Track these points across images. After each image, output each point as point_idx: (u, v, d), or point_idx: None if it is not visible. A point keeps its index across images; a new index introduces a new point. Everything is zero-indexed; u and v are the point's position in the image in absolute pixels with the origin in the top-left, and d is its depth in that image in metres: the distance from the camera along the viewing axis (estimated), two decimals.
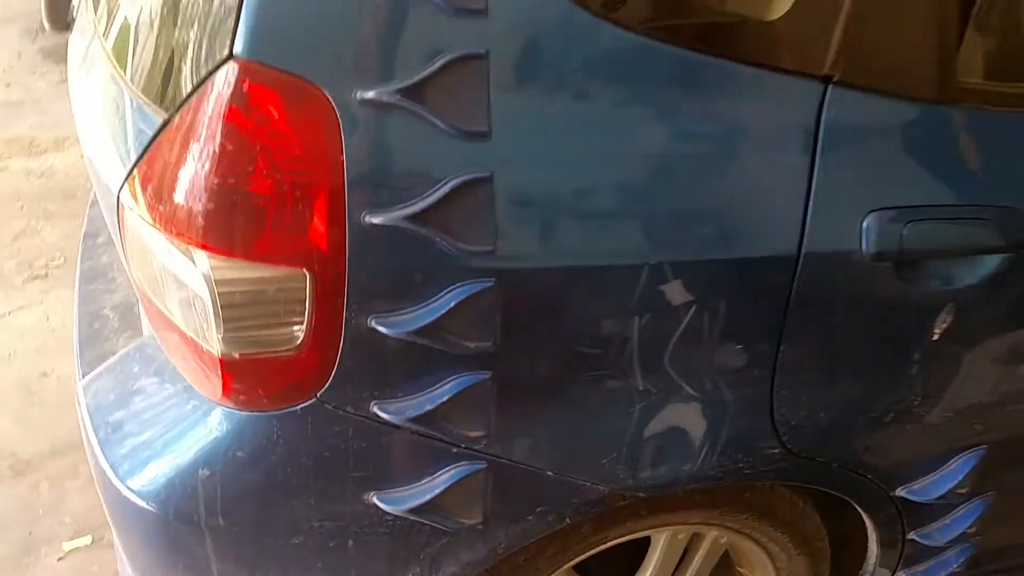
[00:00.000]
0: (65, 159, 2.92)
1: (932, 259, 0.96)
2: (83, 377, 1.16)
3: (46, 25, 1.40)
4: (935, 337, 1.00)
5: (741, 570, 1.34)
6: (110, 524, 1.10)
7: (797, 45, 0.88)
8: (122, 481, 0.97)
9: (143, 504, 0.95)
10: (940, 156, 0.95)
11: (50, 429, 1.94)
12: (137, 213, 0.88)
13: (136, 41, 0.97)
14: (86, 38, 1.19)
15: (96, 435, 1.02)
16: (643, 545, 1.22)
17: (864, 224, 0.91)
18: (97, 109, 1.05)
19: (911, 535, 1.20)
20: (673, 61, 0.85)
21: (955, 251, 0.98)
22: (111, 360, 1.11)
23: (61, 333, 2.19)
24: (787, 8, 0.86)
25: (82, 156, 2.71)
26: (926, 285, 0.97)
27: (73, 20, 1.28)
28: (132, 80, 0.93)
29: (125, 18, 1.02)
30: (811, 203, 0.90)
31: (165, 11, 0.91)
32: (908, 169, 0.94)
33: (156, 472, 0.95)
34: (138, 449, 0.97)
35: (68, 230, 2.56)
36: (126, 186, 0.89)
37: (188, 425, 0.94)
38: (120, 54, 1.00)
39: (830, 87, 0.88)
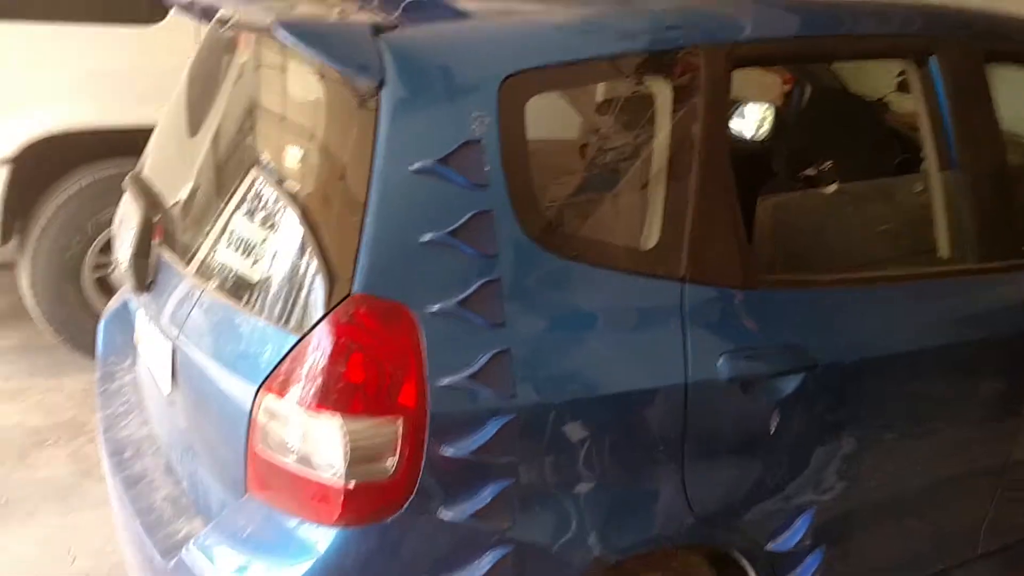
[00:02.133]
0: None
1: (760, 380, 1.57)
2: (164, 556, 1.51)
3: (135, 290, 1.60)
4: (771, 431, 1.59)
5: None
6: None
7: (665, 262, 1.50)
8: None
9: None
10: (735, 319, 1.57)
11: None
12: (279, 401, 1.32)
13: (256, 284, 1.43)
14: (167, 291, 1.63)
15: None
16: None
17: (719, 362, 1.51)
18: (204, 340, 1.49)
19: None
20: (603, 277, 1.45)
21: (771, 374, 1.59)
22: (215, 521, 1.47)
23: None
24: (655, 243, 1.50)
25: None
26: (760, 397, 1.57)
27: (154, 282, 1.70)
28: (259, 314, 1.40)
29: (235, 267, 1.49)
30: (688, 351, 1.49)
31: (281, 261, 1.41)
32: (735, 326, 1.56)
33: None
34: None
35: None
36: (266, 384, 1.34)
37: (305, 547, 1.34)
38: (236, 294, 1.46)
39: (685, 284, 1.51)
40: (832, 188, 2.45)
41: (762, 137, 3.07)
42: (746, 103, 3.12)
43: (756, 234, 1.69)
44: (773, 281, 1.64)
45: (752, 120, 3.13)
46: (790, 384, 1.59)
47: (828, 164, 2.47)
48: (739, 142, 2.93)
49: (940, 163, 1.86)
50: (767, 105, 3.17)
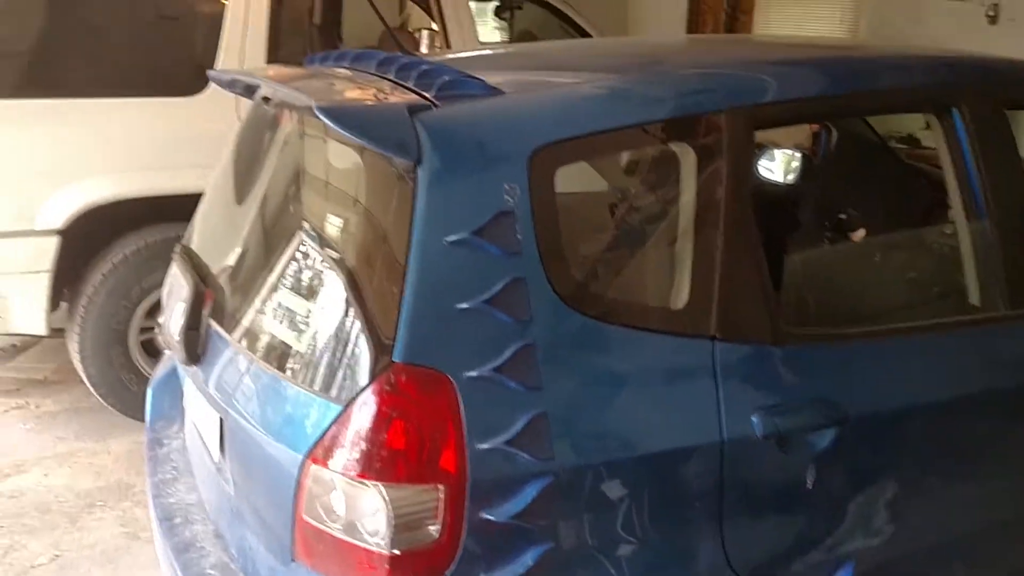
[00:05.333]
0: (29, 479, 3.19)
1: (794, 435, 1.58)
2: None
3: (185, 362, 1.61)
4: (809, 485, 1.60)
5: None
6: None
7: (695, 320, 1.53)
8: None
9: None
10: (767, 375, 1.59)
11: None
12: (324, 470, 1.37)
13: (301, 353, 1.49)
14: (218, 363, 1.69)
15: None
16: None
17: (754, 418, 1.53)
18: (251, 409, 1.55)
19: None
20: (635, 338, 1.48)
21: (805, 429, 1.60)
22: None
23: None
24: (685, 302, 1.53)
25: (45, 474, 3.05)
26: (796, 452, 1.58)
27: (203, 353, 1.77)
28: (304, 383, 1.45)
29: (280, 336, 1.55)
30: (722, 409, 1.51)
31: (324, 331, 1.46)
32: (767, 382, 1.58)
33: None
34: None
35: (52, 539, 2.81)
36: (312, 454, 1.38)
37: None
38: (281, 364, 1.51)
39: (716, 342, 1.54)
40: (859, 235, 2.47)
41: (789, 182, 3.10)
42: (774, 148, 3.16)
43: (784, 288, 1.72)
44: (803, 335, 1.67)
45: (779, 165, 3.16)
46: (825, 438, 1.61)
47: (855, 211, 2.50)
48: (765, 189, 2.96)
49: (967, 211, 1.87)
50: (794, 151, 3.21)
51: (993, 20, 5.18)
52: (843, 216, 2.61)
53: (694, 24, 8.05)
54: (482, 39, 4.62)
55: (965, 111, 1.85)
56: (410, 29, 5.68)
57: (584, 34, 4.93)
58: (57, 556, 2.73)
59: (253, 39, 3.50)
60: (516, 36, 6.21)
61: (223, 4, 3.48)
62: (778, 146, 3.19)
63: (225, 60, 3.44)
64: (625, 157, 1.84)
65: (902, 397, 1.71)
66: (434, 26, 4.57)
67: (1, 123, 3.12)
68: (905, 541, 1.76)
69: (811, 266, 1.83)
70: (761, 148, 3.04)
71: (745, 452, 1.53)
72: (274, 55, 3.57)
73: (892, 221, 2.31)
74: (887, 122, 3.43)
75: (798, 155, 3.14)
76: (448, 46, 4.24)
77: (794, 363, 1.61)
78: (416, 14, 6.36)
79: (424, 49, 4.79)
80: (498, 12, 6.27)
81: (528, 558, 1.39)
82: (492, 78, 1.59)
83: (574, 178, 1.69)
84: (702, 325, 1.53)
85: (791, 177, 3.08)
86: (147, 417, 2.28)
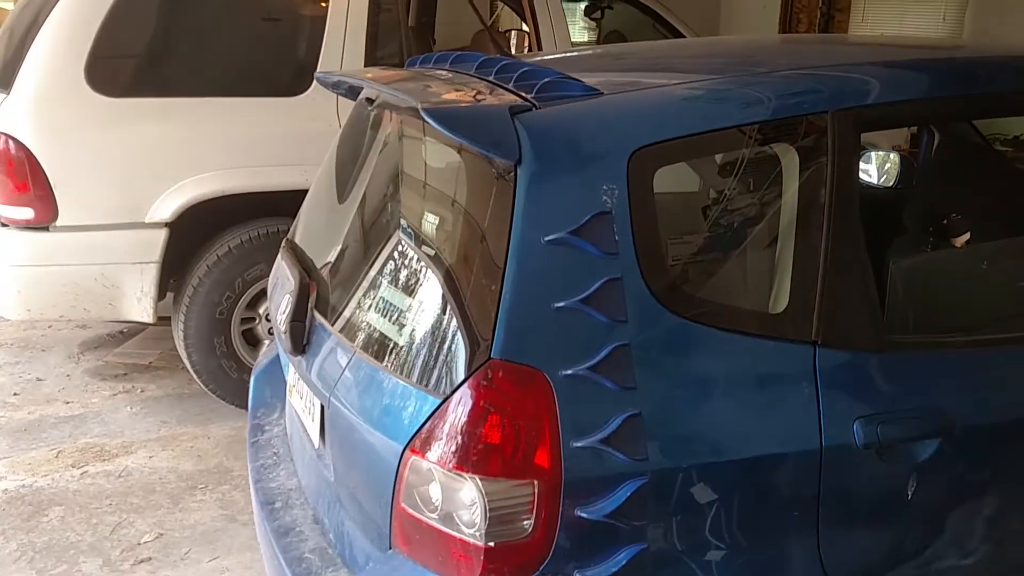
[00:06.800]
0: (135, 460, 3.35)
1: (896, 445, 1.55)
2: None
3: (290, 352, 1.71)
4: (909, 496, 1.56)
5: None
6: None
7: (796, 325, 1.52)
8: None
9: None
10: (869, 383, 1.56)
11: None
12: (423, 461, 1.41)
13: (401, 346, 1.54)
14: (322, 353, 1.76)
15: None
16: None
17: (854, 426, 1.51)
18: (352, 399, 1.60)
19: None
20: (731, 341, 1.48)
21: (907, 439, 1.56)
22: (362, 574, 1.57)
23: None
24: (785, 306, 1.52)
25: (150, 456, 3.18)
26: (896, 462, 1.55)
27: (308, 344, 1.84)
28: (404, 375, 1.49)
29: (382, 329, 1.60)
30: (822, 416, 1.49)
31: (424, 325, 1.50)
32: (869, 390, 1.55)
33: None
34: None
35: (156, 518, 2.95)
36: (411, 444, 1.42)
37: None
38: (382, 356, 1.56)
39: (817, 347, 1.52)
40: (963, 240, 2.39)
41: (890, 185, 3.02)
42: (873, 150, 3.08)
43: (888, 295, 1.68)
44: (907, 343, 1.63)
45: (878, 167, 3.09)
46: (928, 449, 1.57)
47: (959, 216, 2.41)
48: (868, 193, 2.89)
49: None
50: (894, 153, 3.12)
51: None
52: (947, 221, 2.52)
53: (788, 23, 7.88)
54: (573, 39, 4.62)
55: None
56: (501, 30, 5.73)
57: (676, 34, 4.89)
58: (161, 535, 2.87)
59: (353, 41, 3.60)
60: (605, 36, 6.19)
61: (324, 7, 3.58)
62: (878, 148, 3.12)
63: (326, 62, 3.55)
64: (724, 158, 1.83)
65: (1007, 409, 1.66)
66: (524, 27, 4.61)
67: (114, 121, 3.28)
68: (1010, 556, 1.70)
69: (915, 272, 1.78)
70: (864, 151, 2.97)
71: (844, 461, 1.51)
72: (372, 57, 3.66)
73: (998, 226, 2.22)
74: (992, 125, 3.30)
75: (899, 158, 3.06)
76: (539, 47, 4.27)
77: (896, 371, 1.58)
78: (506, 15, 6.43)
79: (514, 50, 4.83)
80: (588, 12, 6.27)
81: (620, 557, 1.40)
82: (590, 79, 1.60)
83: (673, 179, 1.70)
84: (803, 330, 1.51)
85: (892, 180, 3.02)
86: (249, 404, 2.37)
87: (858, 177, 1.72)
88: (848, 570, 1.55)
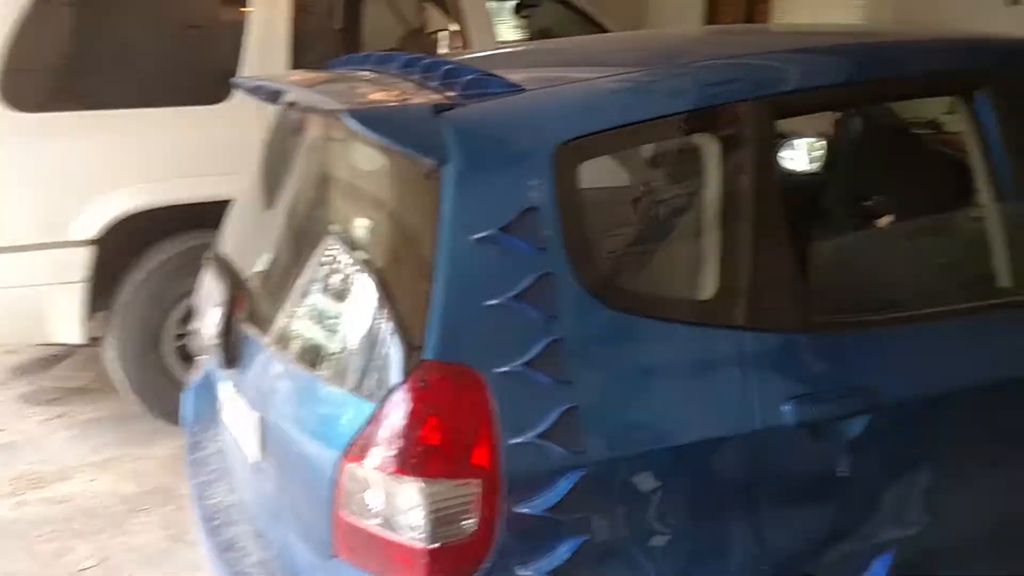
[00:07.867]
0: (75, 485, 3.25)
1: (827, 423, 1.58)
2: None
3: (222, 366, 1.64)
4: (844, 474, 1.60)
5: None
6: None
7: (724, 311, 1.54)
8: None
9: None
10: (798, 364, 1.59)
11: None
12: (361, 467, 1.39)
13: (334, 353, 1.52)
14: (255, 368, 1.73)
15: None
16: None
17: (787, 407, 1.53)
18: (288, 409, 1.58)
19: None
20: (664, 329, 1.49)
21: (838, 416, 1.60)
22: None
23: None
24: (713, 292, 1.54)
25: (90, 480, 3.09)
26: (829, 440, 1.59)
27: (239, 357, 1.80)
28: (338, 383, 1.47)
29: (313, 337, 1.58)
30: (753, 398, 1.52)
31: (355, 331, 1.48)
32: (798, 371, 1.58)
33: None
34: None
35: (99, 542, 2.87)
36: (349, 451, 1.41)
37: None
38: (316, 364, 1.54)
39: (747, 331, 1.54)
40: (885, 222, 2.46)
41: (814, 171, 3.08)
42: (797, 137, 3.15)
43: (813, 277, 1.72)
44: (832, 323, 1.66)
45: (801, 153, 3.15)
46: (858, 425, 1.60)
47: (881, 198, 2.48)
48: (790, 178, 2.95)
49: (995, 194, 1.86)
50: (817, 140, 3.19)
51: (1016, 0, 5.14)
52: (869, 203, 2.60)
53: (712, 16, 8.01)
54: (501, 38, 4.63)
55: (991, 94, 1.84)
56: (428, 31, 5.71)
57: (603, 30, 4.93)
58: (105, 559, 2.79)
59: (275, 46, 3.54)
60: (535, 34, 6.21)
61: (244, 13, 3.52)
62: (801, 135, 3.18)
63: (248, 68, 3.48)
64: (649, 150, 1.85)
65: (934, 383, 1.71)
66: (452, 27, 4.60)
67: (30, 137, 3.17)
68: (947, 530, 1.75)
69: (839, 254, 1.83)
70: (784, 137, 3.04)
71: (777, 442, 1.53)
72: (297, 61, 3.61)
73: (918, 206, 2.29)
74: (909, 108, 3.40)
75: (821, 143, 3.13)
76: (467, 46, 4.26)
77: (824, 351, 1.62)
78: (434, 16, 6.40)
79: (443, 50, 4.81)
80: (517, 10, 6.29)
81: (563, 551, 1.41)
82: (514, 76, 1.60)
83: (603, 173, 1.71)
84: (732, 315, 1.54)
85: (814, 165, 3.08)
86: (185, 421, 2.32)
87: (780, 163, 1.75)
88: (789, 548, 1.59)
